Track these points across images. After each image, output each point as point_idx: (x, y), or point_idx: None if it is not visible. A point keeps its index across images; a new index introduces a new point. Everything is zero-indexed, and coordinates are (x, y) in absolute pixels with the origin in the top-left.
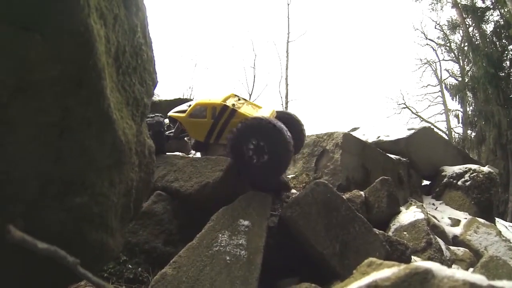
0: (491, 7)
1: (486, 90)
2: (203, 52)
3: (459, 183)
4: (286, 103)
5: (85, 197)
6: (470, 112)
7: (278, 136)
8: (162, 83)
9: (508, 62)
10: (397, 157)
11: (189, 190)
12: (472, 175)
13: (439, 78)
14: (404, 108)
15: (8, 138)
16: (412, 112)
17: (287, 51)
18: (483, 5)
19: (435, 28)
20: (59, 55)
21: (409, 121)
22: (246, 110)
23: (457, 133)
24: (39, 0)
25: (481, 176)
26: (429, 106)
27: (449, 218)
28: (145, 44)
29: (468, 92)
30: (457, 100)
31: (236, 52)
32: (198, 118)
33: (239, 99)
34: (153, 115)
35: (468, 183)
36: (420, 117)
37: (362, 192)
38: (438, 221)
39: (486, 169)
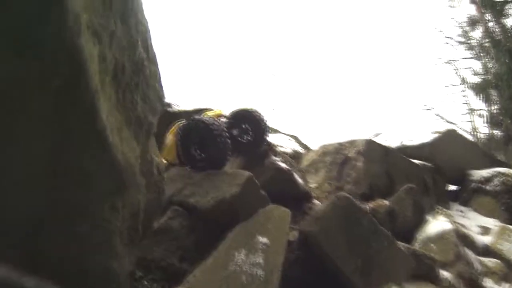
0: (510, 0)
1: (510, 87)
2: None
3: (488, 188)
4: None
5: (85, 226)
6: (495, 111)
7: (208, 133)
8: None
9: None
10: (422, 162)
11: (205, 206)
12: (502, 179)
13: (461, 76)
14: (427, 109)
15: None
16: (435, 114)
17: None
18: None
19: (454, 26)
20: (49, 77)
21: (432, 123)
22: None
23: (482, 133)
24: (25, 22)
25: (511, 180)
26: (452, 106)
27: (478, 226)
28: (147, 59)
29: (492, 90)
30: (482, 98)
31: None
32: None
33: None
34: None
35: (498, 188)
36: (443, 118)
37: (386, 201)
38: (467, 229)
39: None
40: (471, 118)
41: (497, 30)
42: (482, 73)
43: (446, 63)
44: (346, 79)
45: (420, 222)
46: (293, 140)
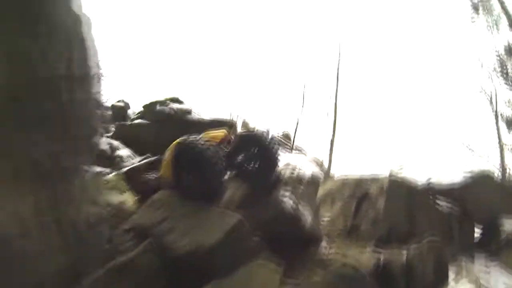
0: None
1: None
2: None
3: None
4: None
5: None
6: None
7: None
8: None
9: None
10: (449, 205)
11: (180, 251)
12: None
13: (495, 108)
14: (456, 142)
15: None
16: (465, 147)
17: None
18: None
19: (490, 53)
20: None
21: (461, 158)
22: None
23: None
24: None
25: None
26: (482, 140)
27: (505, 284)
28: (68, 78)
29: None
30: None
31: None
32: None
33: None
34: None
35: None
36: (472, 150)
37: (404, 252)
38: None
39: None
40: (500, 154)
41: None
42: None
43: (479, 92)
44: (380, 104)
45: (441, 284)
46: (314, 163)
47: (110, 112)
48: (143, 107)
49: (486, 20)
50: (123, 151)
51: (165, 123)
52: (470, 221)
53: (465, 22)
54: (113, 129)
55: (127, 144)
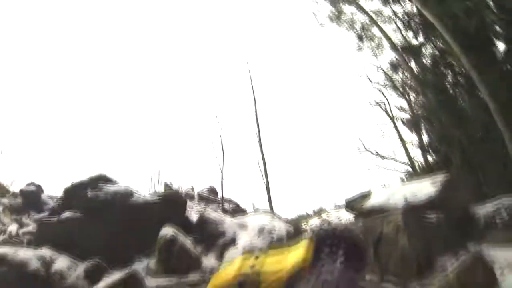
0: (425, 42)
1: (440, 116)
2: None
3: (498, 220)
4: (267, 179)
5: None
6: (429, 140)
7: None
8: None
9: (449, 86)
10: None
11: None
12: (508, 209)
13: (391, 115)
14: (364, 151)
15: None
16: (372, 153)
17: (257, 122)
18: (417, 43)
19: (377, 71)
20: None
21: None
22: (272, 264)
23: (418, 161)
24: None
25: None
26: (386, 143)
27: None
28: None
29: (423, 121)
30: (415, 131)
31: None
32: None
33: (256, 257)
34: None
35: (508, 218)
36: (381, 156)
37: (450, 275)
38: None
39: None
40: (405, 151)
41: (418, 69)
42: (408, 109)
43: (374, 105)
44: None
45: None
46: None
47: (19, 199)
48: (65, 192)
49: (370, 46)
50: (61, 262)
51: (104, 213)
52: (452, 219)
53: (353, 50)
54: (31, 227)
55: (60, 247)
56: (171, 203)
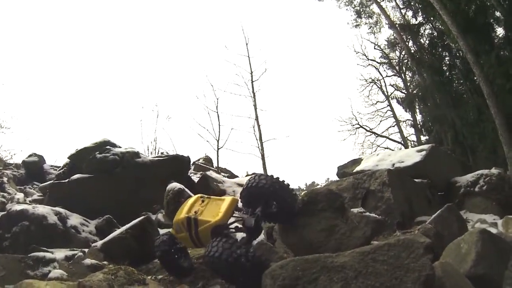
0: (424, 22)
1: (434, 96)
2: (164, 101)
3: (476, 189)
4: (262, 145)
5: None
6: (422, 120)
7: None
8: (125, 137)
9: (446, 68)
10: (421, 180)
11: None
12: (486, 179)
13: (386, 93)
14: (358, 127)
15: None
16: (366, 130)
17: (253, 91)
18: (416, 22)
19: (375, 49)
20: None
21: (365, 139)
22: (207, 214)
23: (411, 141)
24: None
25: (494, 178)
26: (380, 121)
27: (480, 222)
28: None
29: (418, 100)
30: (409, 110)
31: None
32: (182, 233)
33: (203, 201)
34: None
35: (485, 187)
36: (374, 133)
37: (429, 225)
38: (473, 227)
39: (494, 171)
40: (399, 129)
41: (415, 48)
42: (404, 88)
43: (370, 82)
44: (295, 105)
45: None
46: None
47: (22, 170)
48: (71, 157)
49: (368, 23)
50: (74, 219)
51: (113, 173)
52: (435, 187)
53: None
54: (36, 195)
55: (71, 208)
56: (177, 162)
